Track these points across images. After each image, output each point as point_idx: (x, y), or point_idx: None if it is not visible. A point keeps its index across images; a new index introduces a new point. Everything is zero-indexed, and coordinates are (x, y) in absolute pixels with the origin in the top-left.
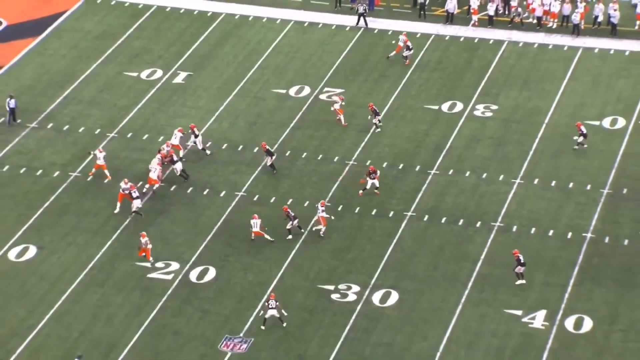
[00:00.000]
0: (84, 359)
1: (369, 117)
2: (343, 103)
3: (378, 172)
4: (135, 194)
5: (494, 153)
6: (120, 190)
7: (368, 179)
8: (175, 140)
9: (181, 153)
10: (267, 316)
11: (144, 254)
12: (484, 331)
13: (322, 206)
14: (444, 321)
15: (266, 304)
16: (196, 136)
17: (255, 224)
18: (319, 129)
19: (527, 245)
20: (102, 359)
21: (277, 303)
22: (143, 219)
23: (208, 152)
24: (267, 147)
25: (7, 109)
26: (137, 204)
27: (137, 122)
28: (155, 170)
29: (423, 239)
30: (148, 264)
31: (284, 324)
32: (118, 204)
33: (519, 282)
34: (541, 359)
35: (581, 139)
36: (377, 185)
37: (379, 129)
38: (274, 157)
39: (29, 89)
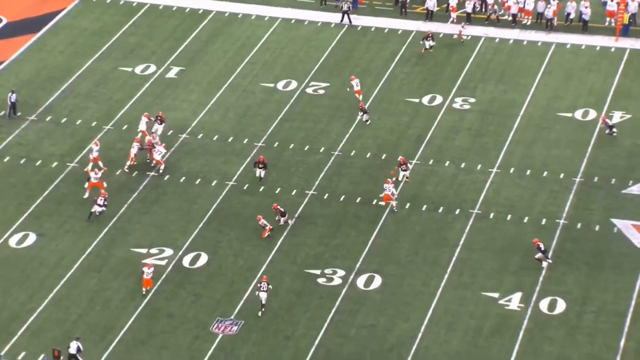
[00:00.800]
0: (82, 341)
1: (360, 114)
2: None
3: (409, 164)
4: (100, 202)
5: (472, 144)
6: (91, 180)
7: (400, 170)
8: (142, 125)
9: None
10: (263, 302)
11: (147, 285)
12: (462, 313)
13: (388, 184)
14: (425, 303)
15: (258, 285)
16: (161, 123)
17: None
18: (305, 121)
19: (504, 231)
20: (99, 341)
21: (269, 286)
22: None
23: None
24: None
25: (9, 102)
26: (97, 209)
27: (132, 115)
28: (160, 152)
29: (405, 225)
30: (143, 250)
31: (260, 312)
32: (88, 192)
33: (545, 263)
34: (517, 338)
35: (608, 130)
36: (408, 175)
37: (368, 122)
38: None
39: (28, 84)
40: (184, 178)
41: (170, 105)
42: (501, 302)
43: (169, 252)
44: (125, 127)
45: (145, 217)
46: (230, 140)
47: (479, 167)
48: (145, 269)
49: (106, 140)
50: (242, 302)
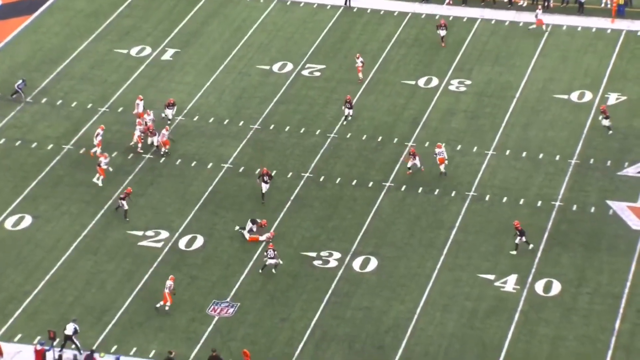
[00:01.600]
0: (78, 323)
1: (343, 107)
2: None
3: (417, 154)
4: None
5: (468, 126)
6: (102, 165)
7: (411, 158)
8: (139, 109)
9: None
10: (267, 263)
11: (166, 301)
12: (458, 294)
13: (438, 148)
14: (420, 285)
15: (265, 253)
16: (171, 107)
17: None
18: (301, 104)
19: (499, 213)
20: (95, 322)
21: (275, 252)
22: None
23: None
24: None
25: (16, 87)
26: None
27: (127, 97)
28: (163, 135)
29: (401, 208)
30: (139, 233)
31: (274, 270)
32: (101, 177)
33: (513, 252)
34: (512, 320)
35: (605, 121)
36: (419, 165)
37: (346, 121)
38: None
39: (23, 66)
40: (179, 160)
41: (166, 87)
42: (497, 284)
43: (164, 234)
44: (120, 109)
45: (141, 199)
46: (226, 122)
47: (474, 149)
48: (168, 282)
49: (101, 123)
50: (238, 284)
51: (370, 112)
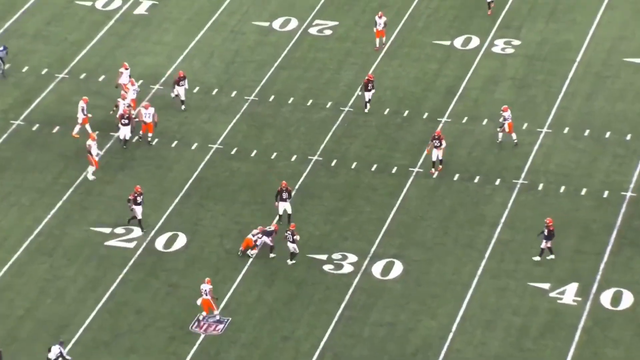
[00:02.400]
0: (65, 346)
1: (359, 90)
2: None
3: (443, 140)
4: (139, 199)
5: (516, 97)
6: (92, 154)
7: (433, 146)
8: (124, 79)
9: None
10: (291, 250)
11: (205, 308)
12: (504, 308)
13: (505, 111)
14: (457, 296)
15: (285, 235)
16: (179, 83)
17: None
18: (308, 69)
19: (556, 206)
20: (51, 341)
21: (296, 237)
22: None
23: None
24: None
25: None
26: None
27: (92, 61)
28: (149, 115)
29: (432, 199)
30: (106, 230)
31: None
32: (93, 169)
33: (537, 258)
34: (572, 340)
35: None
36: (441, 157)
37: (367, 109)
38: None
39: None
40: (157, 140)
41: (140, 48)
42: (552, 294)
43: (137, 231)
44: (83, 75)
45: (109, 187)
46: (214, 92)
47: (524, 126)
48: (204, 286)
49: (60, 93)
50: (229, 294)
51: (393, 81)
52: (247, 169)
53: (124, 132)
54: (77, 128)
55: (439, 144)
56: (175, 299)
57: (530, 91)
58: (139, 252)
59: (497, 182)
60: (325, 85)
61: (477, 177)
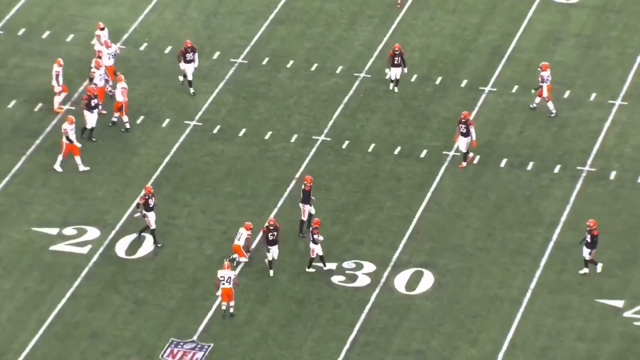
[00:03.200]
0: None
1: (388, 69)
2: None
3: (472, 127)
4: (151, 202)
5: (581, 60)
6: (70, 137)
7: (459, 132)
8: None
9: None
10: (312, 255)
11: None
12: (565, 331)
13: (544, 70)
14: (503, 316)
15: (312, 233)
16: (188, 57)
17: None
18: (312, 24)
19: (631, 200)
20: None
21: (320, 237)
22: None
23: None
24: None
25: None
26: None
27: (32, 12)
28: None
29: (472, 191)
30: (52, 230)
31: (325, 267)
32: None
33: (583, 271)
34: None
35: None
36: (465, 150)
37: (396, 88)
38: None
39: None
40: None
41: None
42: (628, 314)
43: (93, 232)
44: (21, 31)
45: (56, 177)
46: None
47: (593, 96)
48: (222, 272)
49: None
50: (210, 312)
51: (422, 39)
52: (233, 152)
53: (91, 119)
54: (57, 100)
55: (465, 131)
56: (142, 319)
57: (600, 52)
58: (94, 260)
59: (557, 169)
60: (334, 45)
61: (531, 164)
